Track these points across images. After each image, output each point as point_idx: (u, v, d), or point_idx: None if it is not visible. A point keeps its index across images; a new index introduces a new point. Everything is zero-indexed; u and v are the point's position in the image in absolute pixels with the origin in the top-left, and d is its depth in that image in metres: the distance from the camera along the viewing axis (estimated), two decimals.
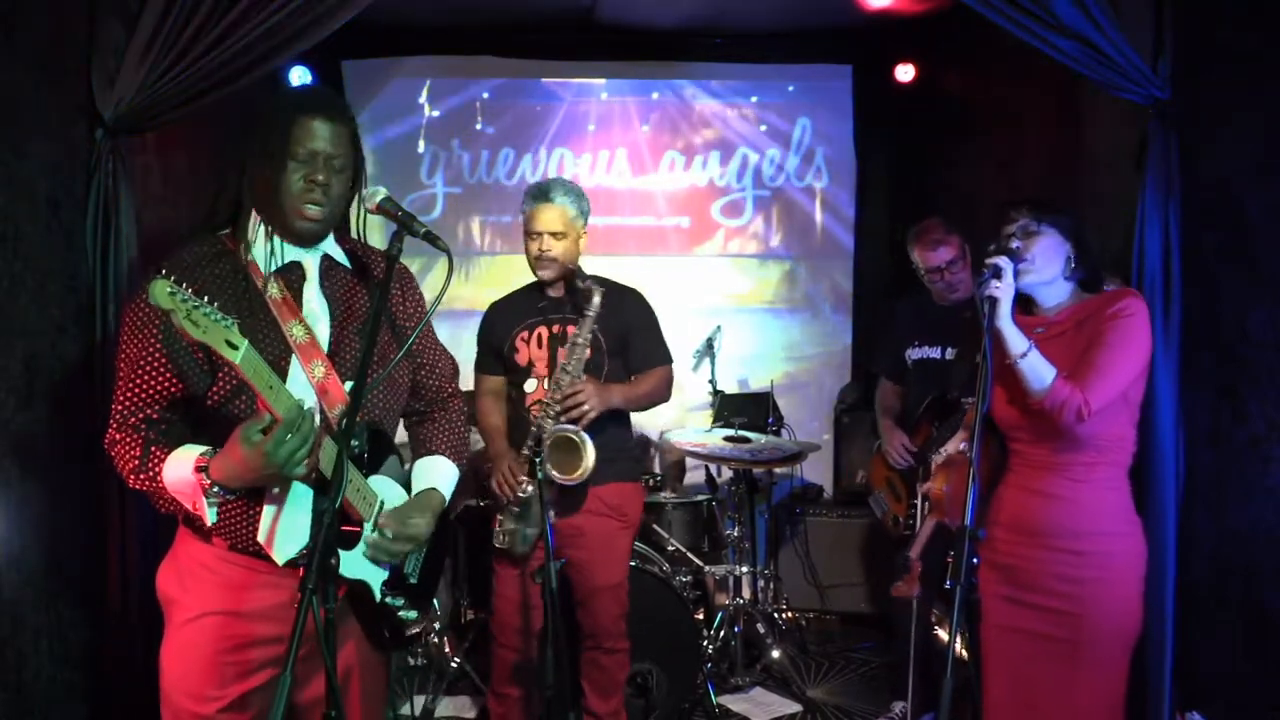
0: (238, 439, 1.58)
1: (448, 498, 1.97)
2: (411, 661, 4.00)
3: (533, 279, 2.98)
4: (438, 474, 2.00)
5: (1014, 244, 2.20)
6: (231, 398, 1.71)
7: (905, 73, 4.96)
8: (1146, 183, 2.66)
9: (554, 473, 2.71)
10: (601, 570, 2.89)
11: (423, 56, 5.05)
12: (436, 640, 3.94)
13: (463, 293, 4.79)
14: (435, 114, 5.11)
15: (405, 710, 3.62)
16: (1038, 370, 2.12)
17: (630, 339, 2.95)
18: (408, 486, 1.95)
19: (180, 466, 1.66)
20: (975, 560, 1.81)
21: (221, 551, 1.77)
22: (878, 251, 5.23)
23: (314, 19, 2.53)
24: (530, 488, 2.73)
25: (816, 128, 5.20)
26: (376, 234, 1.96)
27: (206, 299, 1.48)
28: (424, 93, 5.10)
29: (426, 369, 2.05)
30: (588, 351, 2.77)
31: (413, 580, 1.92)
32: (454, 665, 3.73)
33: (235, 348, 1.48)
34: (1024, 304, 2.31)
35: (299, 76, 4.68)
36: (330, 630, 1.58)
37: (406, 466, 2.01)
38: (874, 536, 4.48)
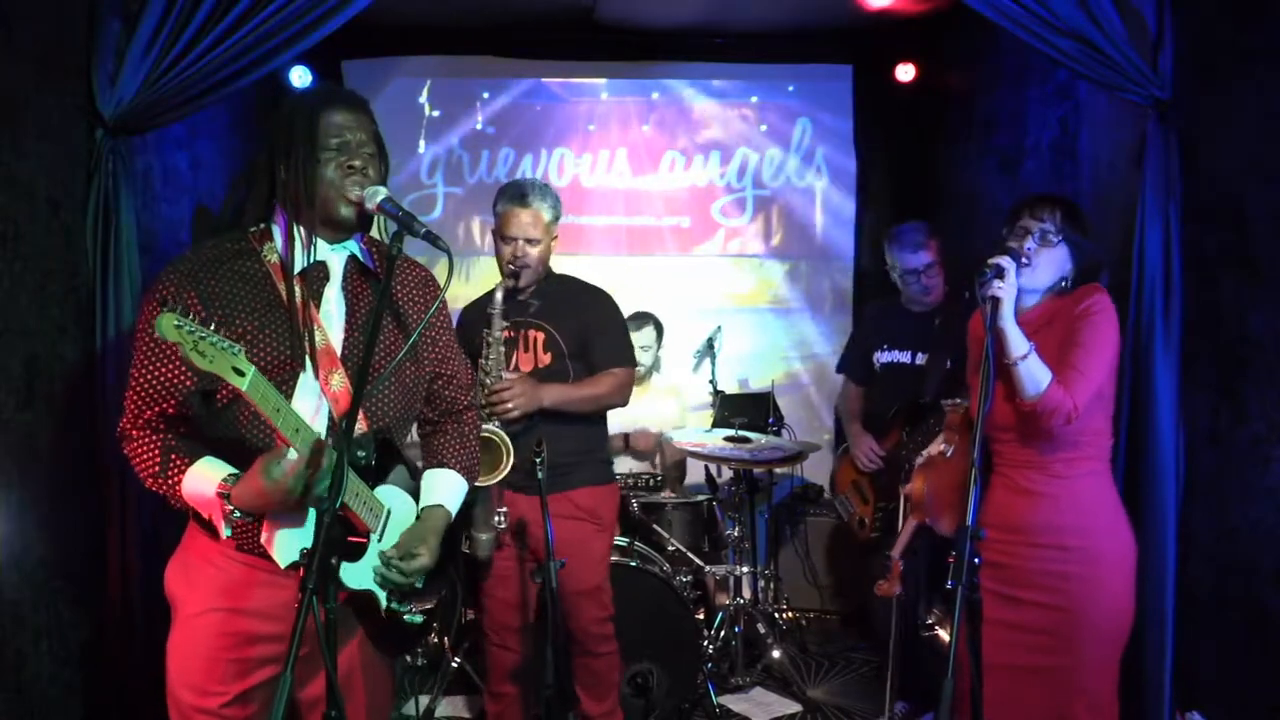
0: (259, 471, 1.60)
1: (454, 512, 1.98)
2: (411, 661, 4.00)
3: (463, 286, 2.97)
4: (445, 488, 1.99)
5: (1028, 245, 2.19)
6: (239, 396, 1.69)
7: (905, 73, 4.95)
8: (1146, 183, 2.66)
9: None
10: (578, 575, 2.81)
11: (423, 56, 5.05)
12: (436, 640, 3.94)
13: (463, 293, 4.76)
14: (435, 114, 5.11)
15: (405, 710, 3.62)
16: (1035, 374, 2.11)
17: (591, 340, 2.87)
18: (416, 495, 1.95)
19: (201, 484, 1.69)
20: (977, 560, 1.81)
21: (228, 550, 1.78)
22: (878, 251, 5.19)
23: (314, 19, 2.53)
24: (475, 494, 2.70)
25: (816, 128, 5.20)
26: (376, 234, 1.96)
27: (213, 326, 1.50)
28: (424, 93, 5.10)
29: (444, 379, 2.03)
30: (502, 350, 2.72)
31: (418, 585, 1.91)
32: (454, 665, 3.73)
33: (242, 374, 1.50)
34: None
35: (299, 77, 4.69)
36: (331, 631, 1.58)
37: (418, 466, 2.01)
38: (850, 539, 4.47)
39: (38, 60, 2.40)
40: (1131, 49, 2.61)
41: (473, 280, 4.95)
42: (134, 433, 1.75)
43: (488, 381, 2.69)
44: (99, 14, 2.50)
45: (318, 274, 1.81)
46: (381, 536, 1.82)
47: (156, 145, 3.15)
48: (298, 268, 1.77)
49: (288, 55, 2.58)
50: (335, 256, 1.83)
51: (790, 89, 5.21)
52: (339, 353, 1.79)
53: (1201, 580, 2.76)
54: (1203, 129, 2.70)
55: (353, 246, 1.86)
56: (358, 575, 1.78)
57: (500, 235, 2.81)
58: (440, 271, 1.87)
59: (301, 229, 1.78)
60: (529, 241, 2.78)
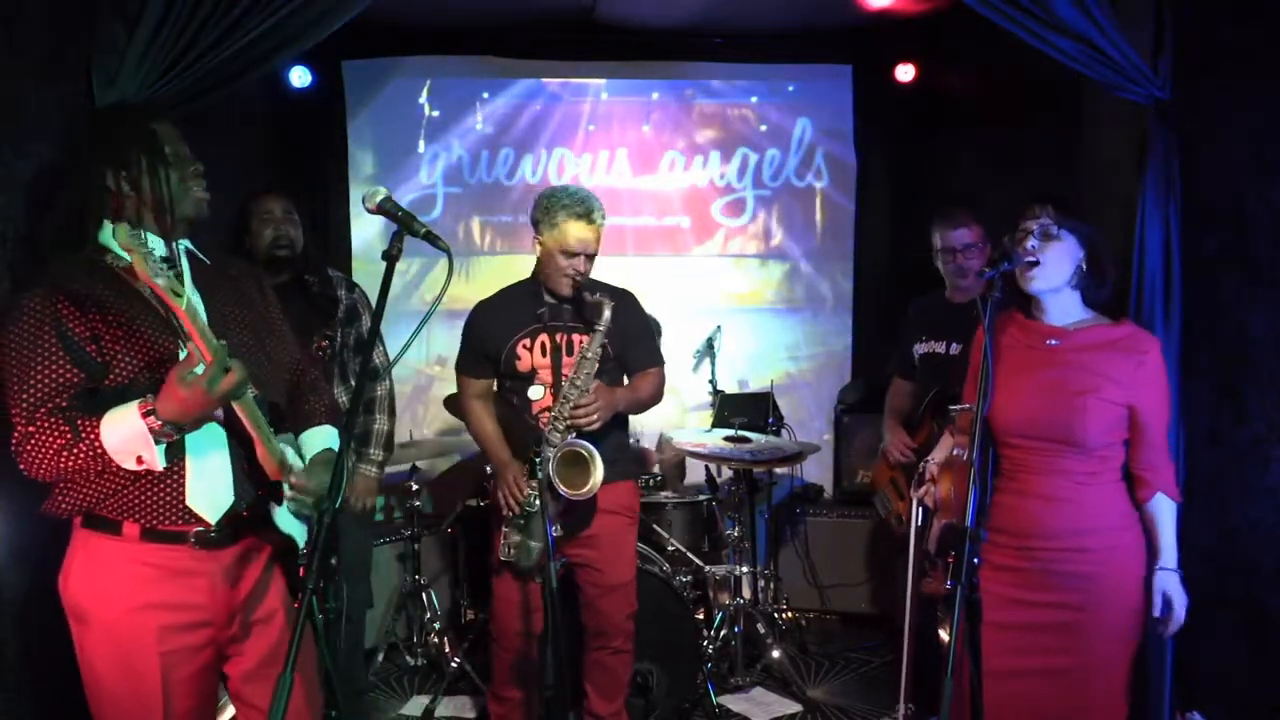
0: (175, 382, 1.68)
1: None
2: (411, 661, 4.01)
3: (520, 278, 2.98)
4: (329, 439, 2.11)
5: (1030, 243, 2.19)
6: (130, 386, 1.80)
7: (905, 73, 4.96)
8: (1146, 183, 2.66)
9: (562, 488, 2.68)
10: (614, 569, 2.90)
11: (423, 56, 5.05)
12: (436, 640, 3.94)
13: (462, 292, 4.73)
14: (435, 114, 5.10)
15: (405, 710, 3.63)
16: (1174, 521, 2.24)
17: (630, 343, 2.95)
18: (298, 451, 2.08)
19: (121, 422, 1.73)
20: (976, 560, 1.81)
21: (133, 544, 1.84)
22: (878, 251, 5.23)
23: (314, 19, 2.53)
24: (539, 502, 2.73)
25: (816, 128, 5.19)
26: (377, 234, 1.98)
27: (89, 330, 1.73)
28: (424, 93, 5.10)
29: (291, 354, 2.18)
30: (596, 365, 2.75)
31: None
32: (454, 665, 3.73)
33: (179, 295, 1.62)
34: (1029, 308, 2.31)
35: (299, 77, 4.69)
36: (331, 631, 1.61)
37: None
38: (874, 536, 4.48)
39: (38, 60, 2.40)
40: (1131, 49, 2.61)
41: (473, 280, 4.94)
42: (32, 428, 1.75)
43: (573, 395, 2.71)
44: (99, 14, 2.50)
45: (174, 268, 1.90)
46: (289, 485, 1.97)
47: None
48: (159, 255, 1.85)
49: (288, 55, 2.58)
50: (179, 253, 1.96)
51: (790, 89, 5.21)
52: None
53: (1201, 580, 2.75)
54: (1203, 129, 2.70)
55: (186, 241, 1.98)
56: (282, 519, 1.94)
57: (560, 248, 2.79)
58: (440, 271, 1.91)
59: (145, 234, 1.85)
60: (589, 257, 2.82)
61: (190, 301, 1.64)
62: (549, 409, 2.77)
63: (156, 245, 1.86)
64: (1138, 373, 2.17)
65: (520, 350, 2.85)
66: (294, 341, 2.19)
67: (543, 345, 2.84)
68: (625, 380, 3.01)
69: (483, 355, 2.91)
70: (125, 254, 1.67)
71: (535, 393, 2.83)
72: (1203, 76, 2.70)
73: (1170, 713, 2.65)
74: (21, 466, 1.78)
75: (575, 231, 2.77)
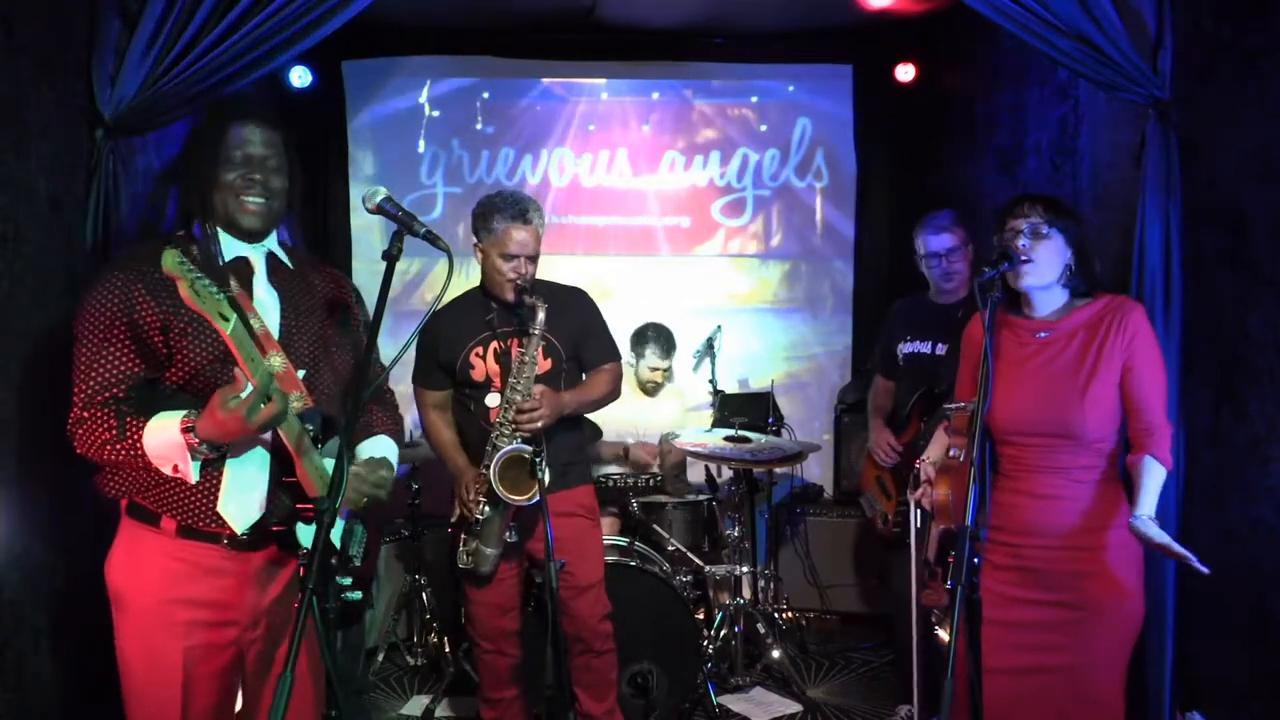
0: (216, 405, 1.69)
1: (395, 465, 2.13)
2: (411, 662, 4.01)
3: (471, 286, 2.97)
4: (384, 449, 2.12)
5: (1021, 243, 2.20)
6: (189, 382, 1.83)
7: (905, 73, 4.96)
8: (1146, 183, 2.66)
9: (506, 494, 2.65)
10: (582, 569, 2.88)
11: (423, 56, 5.06)
12: (436, 640, 3.94)
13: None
14: (435, 114, 5.11)
15: (405, 710, 3.63)
16: (1161, 484, 2.17)
17: (583, 341, 2.94)
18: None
19: (163, 431, 1.76)
20: (976, 560, 1.81)
21: (170, 539, 1.86)
22: (878, 251, 5.23)
23: (314, 19, 2.53)
24: (487, 509, 2.71)
25: (816, 128, 5.20)
26: (377, 234, 1.99)
27: (160, 321, 1.73)
28: (424, 93, 5.10)
29: (371, 367, 2.16)
30: (536, 368, 2.74)
31: (357, 562, 2.01)
32: (453, 666, 3.73)
33: (226, 320, 1.60)
34: (1017, 305, 2.32)
35: (299, 77, 4.69)
36: (331, 630, 1.61)
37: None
38: (874, 536, 4.47)
39: (38, 60, 2.40)
40: (1131, 49, 2.61)
41: (472, 280, 4.91)
42: (86, 414, 1.80)
43: (516, 399, 2.70)
44: (99, 13, 2.50)
45: (243, 269, 1.92)
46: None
47: (157, 145, 3.15)
48: (219, 262, 1.88)
49: (288, 55, 2.58)
50: (255, 253, 1.95)
51: (790, 89, 5.22)
52: (277, 337, 1.89)
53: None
54: (1203, 129, 2.70)
55: (271, 244, 1.97)
56: (309, 539, 1.87)
57: (500, 252, 2.78)
58: (440, 271, 1.91)
59: (210, 228, 1.90)
60: (530, 258, 2.79)
61: (237, 327, 1.62)
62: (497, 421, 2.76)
63: (228, 246, 1.91)
64: (1121, 338, 2.18)
65: (474, 359, 2.83)
66: (371, 358, 2.18)
67: (494, 352, 2.82)
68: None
69: (437, 366, 2.90)
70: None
71: (492, 400, 2.80)
72: (1203, 76, 2.70)
73: (1170, 713, 2.65)
74: (75, 446, 1.83)
75: (512, 234, 2.76)
